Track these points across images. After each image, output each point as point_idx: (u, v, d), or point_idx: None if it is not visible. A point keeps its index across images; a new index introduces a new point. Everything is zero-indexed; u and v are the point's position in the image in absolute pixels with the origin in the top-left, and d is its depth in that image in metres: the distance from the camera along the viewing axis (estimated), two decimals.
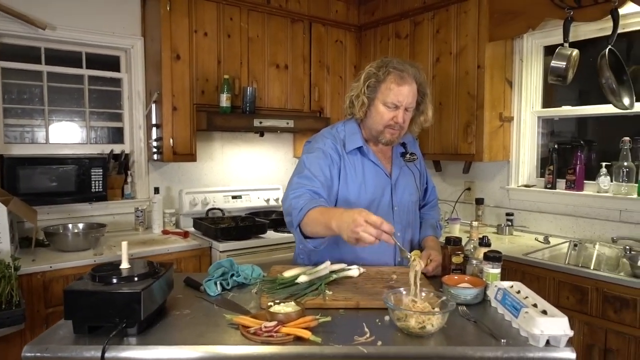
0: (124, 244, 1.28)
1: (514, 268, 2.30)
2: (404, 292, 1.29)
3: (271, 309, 1.20)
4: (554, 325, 1.10)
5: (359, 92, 1.67)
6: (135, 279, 1.20)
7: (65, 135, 2.87)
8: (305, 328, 1.14)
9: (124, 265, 1.26)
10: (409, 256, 1.26)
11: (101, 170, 2.73)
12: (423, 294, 1.29)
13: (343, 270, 1.56)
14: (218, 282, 1.48)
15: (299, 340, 1.11)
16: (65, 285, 2.16)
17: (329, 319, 1.20)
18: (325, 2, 3.38)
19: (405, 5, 3.21)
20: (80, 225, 2.61)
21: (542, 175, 2.93)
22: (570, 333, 1.10)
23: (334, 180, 1.64)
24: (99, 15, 2.81)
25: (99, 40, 2.83)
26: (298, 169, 1.65)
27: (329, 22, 3.42)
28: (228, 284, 1.50)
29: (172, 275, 1.37)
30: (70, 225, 2.59)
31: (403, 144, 1.82)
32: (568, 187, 2.72)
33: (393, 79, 1.62)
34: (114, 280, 1.18)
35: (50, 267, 2.17)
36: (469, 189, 3.25)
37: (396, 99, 1.62)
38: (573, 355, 1.10)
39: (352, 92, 1.71)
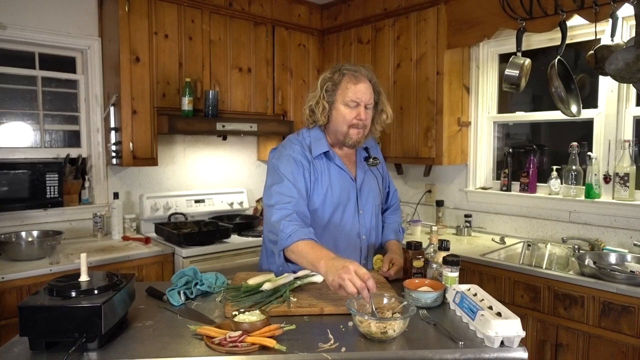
0: (83, 256, 1.25)
1: (472, 269, 2.39)
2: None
3: (236, 319, 1.21)
4: (508, 326, 1.16)
5: (318, 99, 1.71)
6: (95, 291, 1.18)
7: (18, 138, 2.75)
8: (270, 337, 1.15)
9: (83, 277, 1.23)
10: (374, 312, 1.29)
11: (57, 175, 2.63)
12: (385, 299, 1.32)
13: (307, 276, 1.58)
14: (181, 292, 1.47)
15: (264, 349, 1.13)
16: (19, 297, 2.10)
17: (293, 327, 1.21)
18: (288, 6, 3.39)
19: (367, 11, 3.26)
20: (35, 233, 2.51)
21: (498, 177, 3.05)
22: (523, 334, 1.16)
23: (307, 186, 1.68)
24: (53, 14, 2.70)
25: (53, 40, 2.72)
26: (274, 176, 1.67)
27: (292, 25, 3.43)
28: (192, 293, 1.49)
29: (133, 286, 1.35)
30: (23, 233, 2.48)
31: (366, 149, 1.86)
32: (522, 190, 2.85)
33: (349, 79, 1.68)
34: (73, 294, 1.15)
35: (2, 277, 2.08)
36: (429, 191, 3.34)
37: (355, 96, 1.67)
38: (525, 354, 1.16)
39: (311, 101, 1.75)
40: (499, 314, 1.22)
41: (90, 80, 2.88)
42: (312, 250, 1.45)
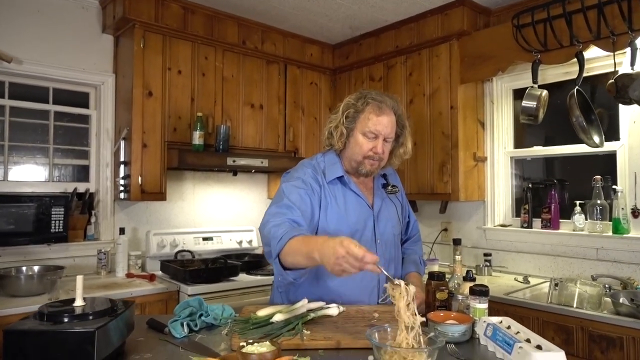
0: (79, 278, 1.15)
1: (496, 308, 2.22)
2: (389, 329, 1.19)
3: (244, 350, 1.09)
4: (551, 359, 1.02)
5: (338, 123, 1.64)
6: (90, 317, 1.07)
7: (27, 172, 2.72)
8: None
9: (78, 302, 1.13)
10: (396, 282, 1.18)
11: (62, 210, 2.57)
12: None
13: (321, 308, 1.46)
14: (185, 323, 1.35)
15: None
16: None
17: (308, 359, 1.08)
18: (301, 45, 3.43)
19: (379, 49, 3.28)
20: (36, 268, 2.40)
21: (517, 214, 2.93)
22: None
23: (314, 210, 1.57)
24: (70, 51, 2.74)
25: (68, 75, 2.74)
26: (277, 197, 1.58)
27: (304, 64, 3.45)
28: (196, 325, 1.37)
29: (132, 314, 1.23)
30: (24, 268, 2.37)
31: (384, 176, 1.78)
32: (544, 226, 2.71)
33: (372, 109, 1.61)
34: (65, 319, 1.05)
35: None
36: (445, 229, 3.21)
37: (375, 128, 1.59)
38: None
39: (331, 123, 1.68)
40: (539, 347, 1.08)
41: (103, 115, 2.87)
42: (303, 244, 1.32)
